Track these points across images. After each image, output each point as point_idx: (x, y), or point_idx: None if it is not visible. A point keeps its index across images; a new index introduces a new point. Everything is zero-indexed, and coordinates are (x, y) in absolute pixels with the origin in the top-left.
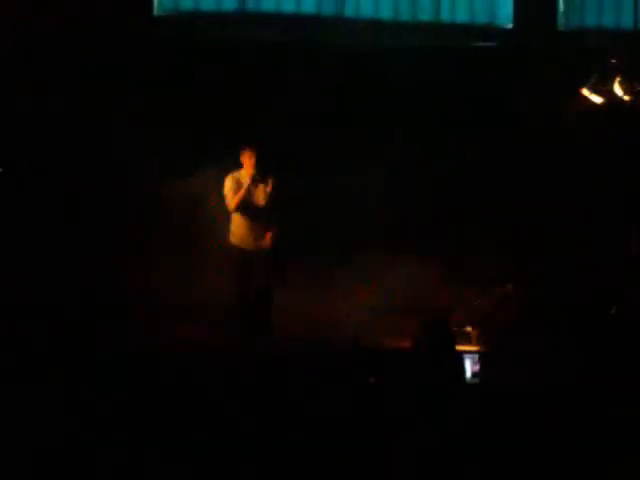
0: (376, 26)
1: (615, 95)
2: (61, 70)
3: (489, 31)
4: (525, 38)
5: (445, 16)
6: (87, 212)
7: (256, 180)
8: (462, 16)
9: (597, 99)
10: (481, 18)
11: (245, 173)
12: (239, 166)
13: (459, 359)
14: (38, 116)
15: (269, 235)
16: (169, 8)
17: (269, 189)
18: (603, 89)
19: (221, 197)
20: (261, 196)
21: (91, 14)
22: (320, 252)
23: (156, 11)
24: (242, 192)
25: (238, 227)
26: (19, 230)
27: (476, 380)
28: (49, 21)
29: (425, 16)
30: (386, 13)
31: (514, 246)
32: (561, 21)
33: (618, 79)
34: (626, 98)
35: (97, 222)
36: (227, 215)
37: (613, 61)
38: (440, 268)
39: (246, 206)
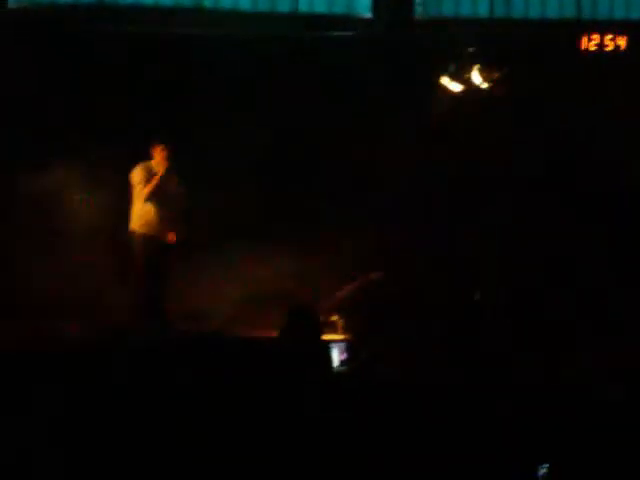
0: (235, 17)
1: (473, 83)
2: None
3: (348, 21)
4: (383, 28)
5: (304, 7)
6: None
7: (168, 170)
8: (320, 7)
9: (456, 87)
10: (339, 9)
11: (156, 163)
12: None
13: (326, 348)
14: None
15: (175, 231)
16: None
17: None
18: (462, 77)
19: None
20: (172, 186)
21: None
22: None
23: (11, 3)
24: (155, 181)
25: (146, 215)
26: None
27: (344, 369)
28: None
29: (284, 7)
30: (245, 4)
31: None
32: (419, 11)
33: (476, 67)
34: (484, 86)
35: None
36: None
37: (471, 49)
38: (304, 257)
39: (158, 195)
